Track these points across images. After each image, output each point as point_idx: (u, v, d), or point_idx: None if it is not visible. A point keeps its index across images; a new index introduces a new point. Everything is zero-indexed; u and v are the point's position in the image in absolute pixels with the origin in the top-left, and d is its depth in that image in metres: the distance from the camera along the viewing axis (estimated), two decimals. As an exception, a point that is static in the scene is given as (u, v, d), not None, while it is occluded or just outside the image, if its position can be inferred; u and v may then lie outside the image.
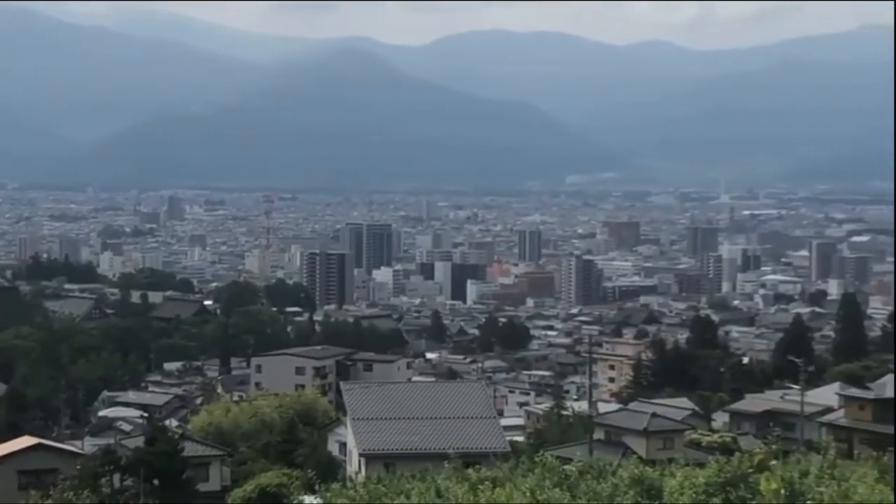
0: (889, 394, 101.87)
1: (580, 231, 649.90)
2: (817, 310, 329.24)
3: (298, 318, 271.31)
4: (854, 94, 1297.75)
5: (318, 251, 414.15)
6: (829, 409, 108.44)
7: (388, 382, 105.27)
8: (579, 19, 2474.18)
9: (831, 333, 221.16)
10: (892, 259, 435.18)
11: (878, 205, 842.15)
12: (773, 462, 24.69)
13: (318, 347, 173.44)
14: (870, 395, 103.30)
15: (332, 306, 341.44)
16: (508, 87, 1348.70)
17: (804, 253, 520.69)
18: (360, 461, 74.80)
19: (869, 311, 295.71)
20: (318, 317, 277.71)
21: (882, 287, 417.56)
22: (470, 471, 30.24)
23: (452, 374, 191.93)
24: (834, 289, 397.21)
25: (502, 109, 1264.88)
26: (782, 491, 13.39)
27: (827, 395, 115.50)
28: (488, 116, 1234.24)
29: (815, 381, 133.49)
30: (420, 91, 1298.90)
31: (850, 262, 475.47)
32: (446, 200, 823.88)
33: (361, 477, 36.11)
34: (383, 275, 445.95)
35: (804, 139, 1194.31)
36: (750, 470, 23.10)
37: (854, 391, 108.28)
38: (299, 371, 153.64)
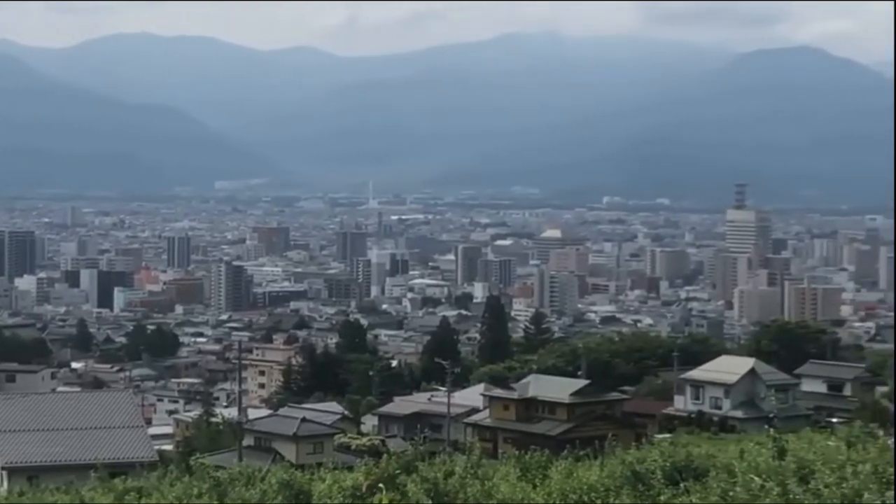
0: (531, 393, 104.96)
1: (230, 237, 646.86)
2: (463, 312, 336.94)
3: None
4: (495, 101, 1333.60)
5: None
6: (475, 410, 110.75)
7: (32, 393, 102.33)
8: (224, 23, 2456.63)
9: (477, 335, 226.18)
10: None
11: (519, 209, 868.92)
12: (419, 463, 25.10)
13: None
14: (513, 395, 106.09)
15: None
16: (154, 92, 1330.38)
17: (450, 257, 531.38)
18: (1, 475, 72.49)
19: (512, 313, 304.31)
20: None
21: (524, 289, 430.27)
22: (116, 481, 29.74)
23: (99, 384, 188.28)
24: (479, 292, 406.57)
25: (149, 114, 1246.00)
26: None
27: (473, 395, 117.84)
28: (135, 120, 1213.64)
29: (461, 382, 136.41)
30: (62, 95, 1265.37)
31: (494, 266, 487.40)
32: (92, 206, 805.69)
33: (3, 491, 35.06)
34: (26, 283, 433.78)
35: (448, 144, 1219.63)
36: (397, 472, 23.43)
37: (498, 391, 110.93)
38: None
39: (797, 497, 19.01)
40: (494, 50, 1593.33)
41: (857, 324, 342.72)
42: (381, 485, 21.74)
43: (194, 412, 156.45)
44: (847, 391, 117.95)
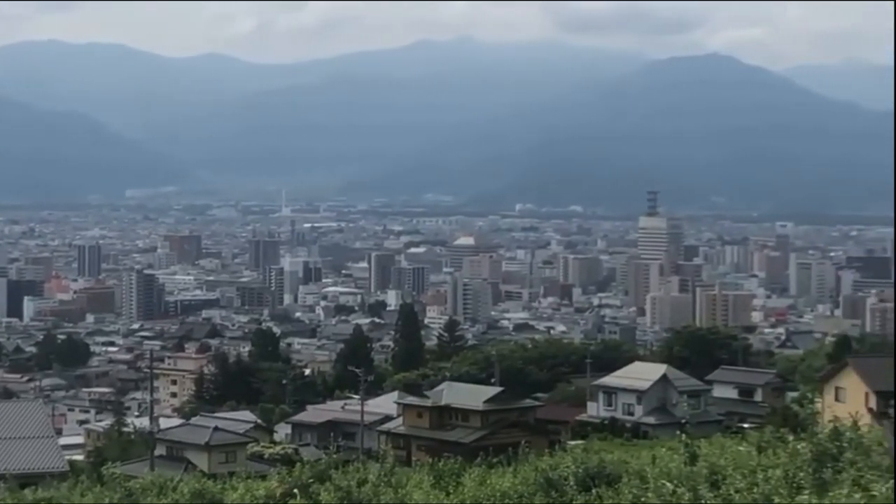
0: (445, 401, 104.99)
1: (141, 245, 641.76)
2: (377, 320, 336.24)
3: None
4: (410, 107, 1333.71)
5: None
6: (389, 418, 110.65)
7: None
8: (135, 31, 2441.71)
9: (390, 343, 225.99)
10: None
11: (433, 217, 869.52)
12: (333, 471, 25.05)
13: None
14: (427, 402, 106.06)
15: None
16: (65, 99, 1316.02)
17: (364, 265, 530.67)
18: None
19: (426, 321, 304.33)
20: None
21: (438, 296, 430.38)
22: (26, 491, 29.46)
23: (9, 394, 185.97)
24: (392, 299, 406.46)
25: (59, 121, 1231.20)
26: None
27: (386, 403, 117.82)
28: (45, 128, 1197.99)
29: (375, 390, 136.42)
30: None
31: (407, 273, 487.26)
32: (1, 215, 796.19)
33: None
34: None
35: (362, 152, 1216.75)
36: (310, 480, 23.37)
37: (412, 399, 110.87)
38: None
39: (709, 502, 19.17)
40: (409, 56, 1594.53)
41: (767, 330, 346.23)
42: (295, 490, 21.65)
43: (105, 422, 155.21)
44: (758, 397, 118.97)
